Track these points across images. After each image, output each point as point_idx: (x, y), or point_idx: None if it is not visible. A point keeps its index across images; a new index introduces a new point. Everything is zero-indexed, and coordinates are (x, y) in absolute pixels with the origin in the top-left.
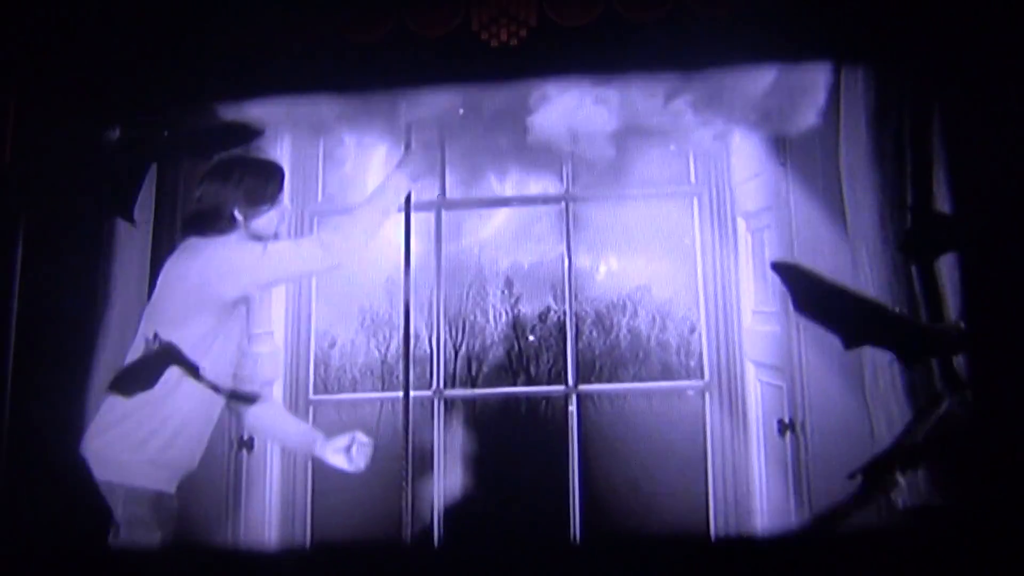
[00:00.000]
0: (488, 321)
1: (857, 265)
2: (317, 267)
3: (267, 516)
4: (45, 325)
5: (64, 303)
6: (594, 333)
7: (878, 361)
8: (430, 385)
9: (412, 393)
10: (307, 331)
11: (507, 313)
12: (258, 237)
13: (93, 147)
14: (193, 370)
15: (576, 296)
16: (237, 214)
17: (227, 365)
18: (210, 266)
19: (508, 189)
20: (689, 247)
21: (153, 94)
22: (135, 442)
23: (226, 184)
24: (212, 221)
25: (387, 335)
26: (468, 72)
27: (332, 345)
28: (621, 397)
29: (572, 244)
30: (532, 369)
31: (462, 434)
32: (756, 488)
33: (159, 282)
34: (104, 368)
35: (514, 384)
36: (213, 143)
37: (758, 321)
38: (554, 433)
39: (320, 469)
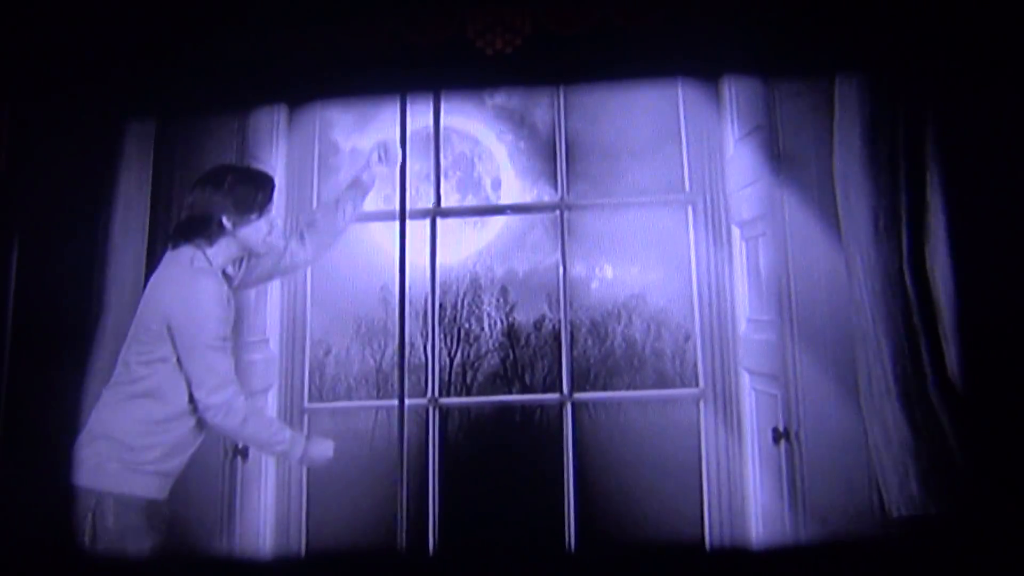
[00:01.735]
0: (483, 329)
1: (851, 273)
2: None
3: (262, 524)
4: (40, 331)
5: (59, 309)
6: (589, 341)
7: (872, 369)
8: (425, 393)
9: (407, 401)
10: (302, 339)
11: (502, 321)
12: (245, 247)
13: (89, 153)
14: None
15: (571, 304)
16: (225, 221)
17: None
18: (181, 313)
19: (503, 197)
20: (684, 255)
21: (149, 100)
22: (129, 450)
23: (216, 191)
24: (201, 227)
25: (382, 343)
26: (463, 80)
27: (327, 353)
28: (616, 405)
29: (567, 252)
30: (527, 377)
31: (457, 442)
32: (750, 496)
33: (144, 297)
34: (98, 374)
35: (509, 392)
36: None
37: (753, 329)
38: (549, 441)
39: (315, 477)
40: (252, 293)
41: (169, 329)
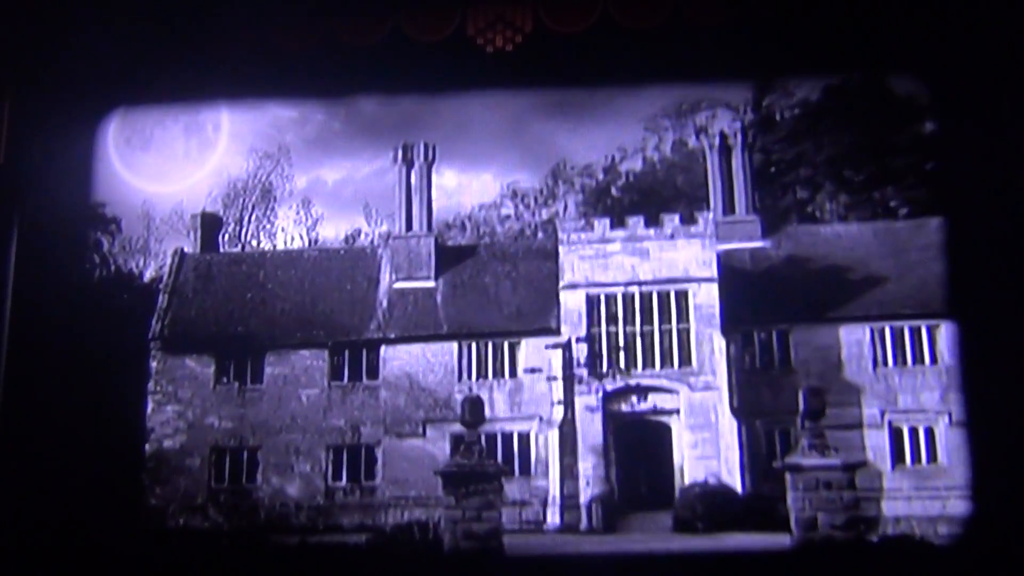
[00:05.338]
0: None
1: None
2: None
3: None
4: (38, 324)
5: (58, 302)
6: None
7: None
8: None
9: None
10: None
11: None
12: None
13: (87, 149)
14: None
15: None
16: None
17: None
18: None
19: None
20: None
21: (147, 97)
22: None
23: None
24: None
25: None
26: (464, 77)
27: None
28: None
29: None
30: None
31: None
32: None
33: None
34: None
35: None
36: None
37: None
38: None
39: None
40: None
41: None
